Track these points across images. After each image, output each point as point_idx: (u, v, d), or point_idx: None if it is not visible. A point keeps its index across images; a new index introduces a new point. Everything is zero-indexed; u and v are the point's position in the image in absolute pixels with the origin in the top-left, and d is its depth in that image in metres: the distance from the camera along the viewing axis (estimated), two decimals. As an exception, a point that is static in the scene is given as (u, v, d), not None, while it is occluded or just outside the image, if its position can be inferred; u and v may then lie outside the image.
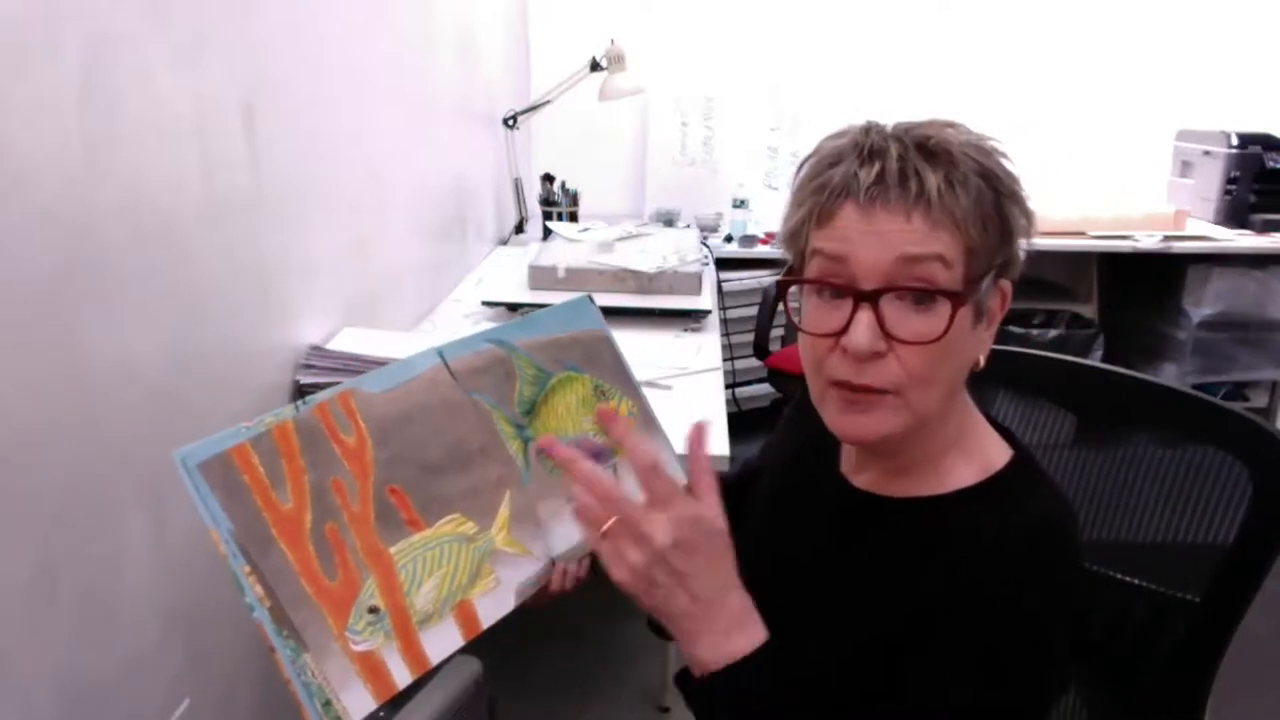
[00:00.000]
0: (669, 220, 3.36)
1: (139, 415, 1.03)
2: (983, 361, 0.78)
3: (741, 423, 3.20)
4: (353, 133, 1.69)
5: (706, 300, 2.21)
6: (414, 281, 2.13)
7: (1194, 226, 3.24)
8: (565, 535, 0.85)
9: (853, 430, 0.76)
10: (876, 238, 0.71)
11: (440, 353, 0.86)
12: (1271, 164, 3.18)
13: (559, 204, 3.08)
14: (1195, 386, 1.04)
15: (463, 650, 1.35)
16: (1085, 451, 1.09)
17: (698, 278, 2.23)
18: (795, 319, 0.79)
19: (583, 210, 3.15)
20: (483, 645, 1.78)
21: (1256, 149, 3.18)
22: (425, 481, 0.81)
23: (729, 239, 3.30)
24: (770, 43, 3.42)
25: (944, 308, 0.71)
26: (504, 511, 0.84)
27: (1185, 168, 3.43)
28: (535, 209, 3.18)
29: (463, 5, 2.55)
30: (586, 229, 2.70)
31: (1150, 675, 1.00)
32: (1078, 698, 1.08)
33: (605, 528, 0.71)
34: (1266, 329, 3.24)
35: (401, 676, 0.80)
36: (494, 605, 0.83)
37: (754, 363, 2.98)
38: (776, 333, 3.23)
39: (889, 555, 0.78)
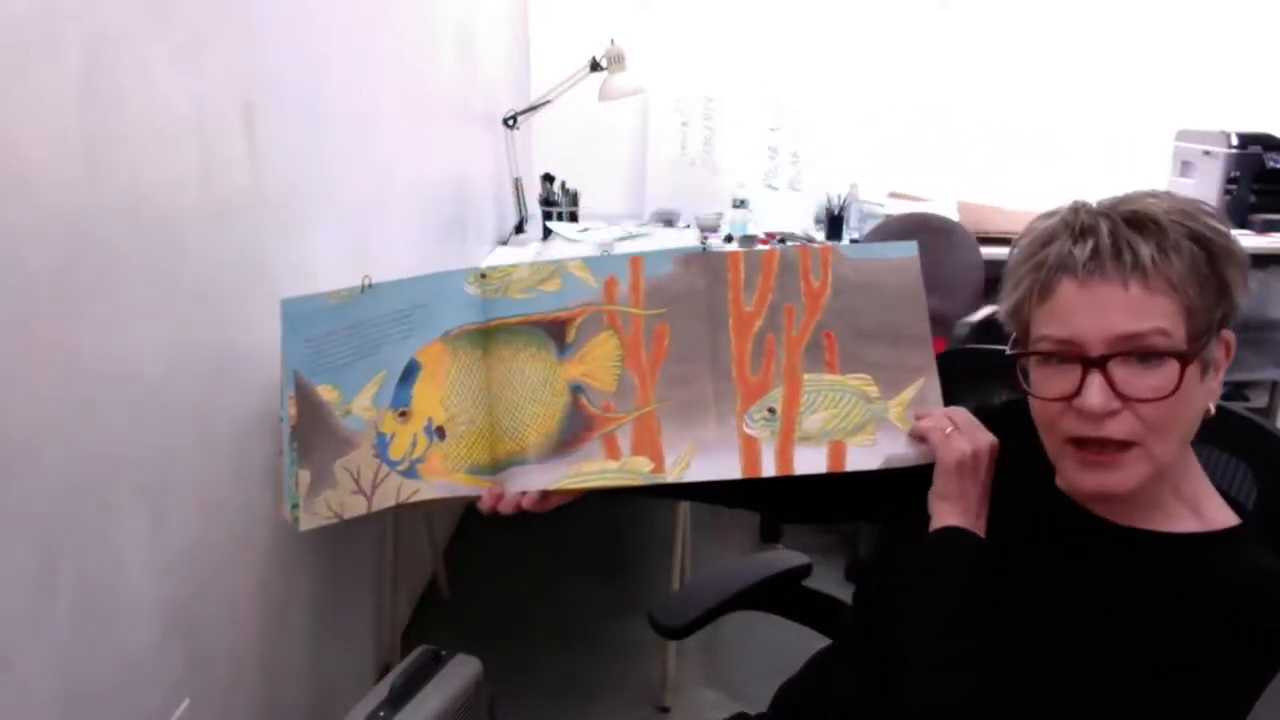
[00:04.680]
0: (669, 220, 3.35)
1: (139, 415, 1.03)
2: (1213, 409, 0.81)
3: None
4: (353, 133, 1.69)
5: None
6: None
7: (1194, 226, 3.23)
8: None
9: (1097, 487, 0.80)
10: (1097, 308, 0.77)
11: (918, 248, 1.00)
12: (1271, 164, 3.17)
13: (559, 204, 3.08)
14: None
15: (464, 650, 1.41)
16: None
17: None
18: (1025, 386, 0.84)
19: (583, 210, 3.15)
20: (483, 645, 1.78)
21: (1256, 149, 3.18)
22: (855, 341, 0.96)
23: (729, 239, 3.29)
24: (770, 43, 3.41)
25: (1171, 366, 0.76)
26: (908, 394, 0.95)
27: (1185, 168, 3.43)
28: (535, 209, 3.17)
29: (463, 5, 2.55)
30: (586, 229, 2.70)
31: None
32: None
33: (948, 430, 0.89)
34: (1266, 329, 3.23)
35: (768, 468, 0.94)
36: (862, 457, 0.94)
37: (754, 363, 2.97)
38: (776, 333, 3.23)
39: (1110, 571, 0.81)
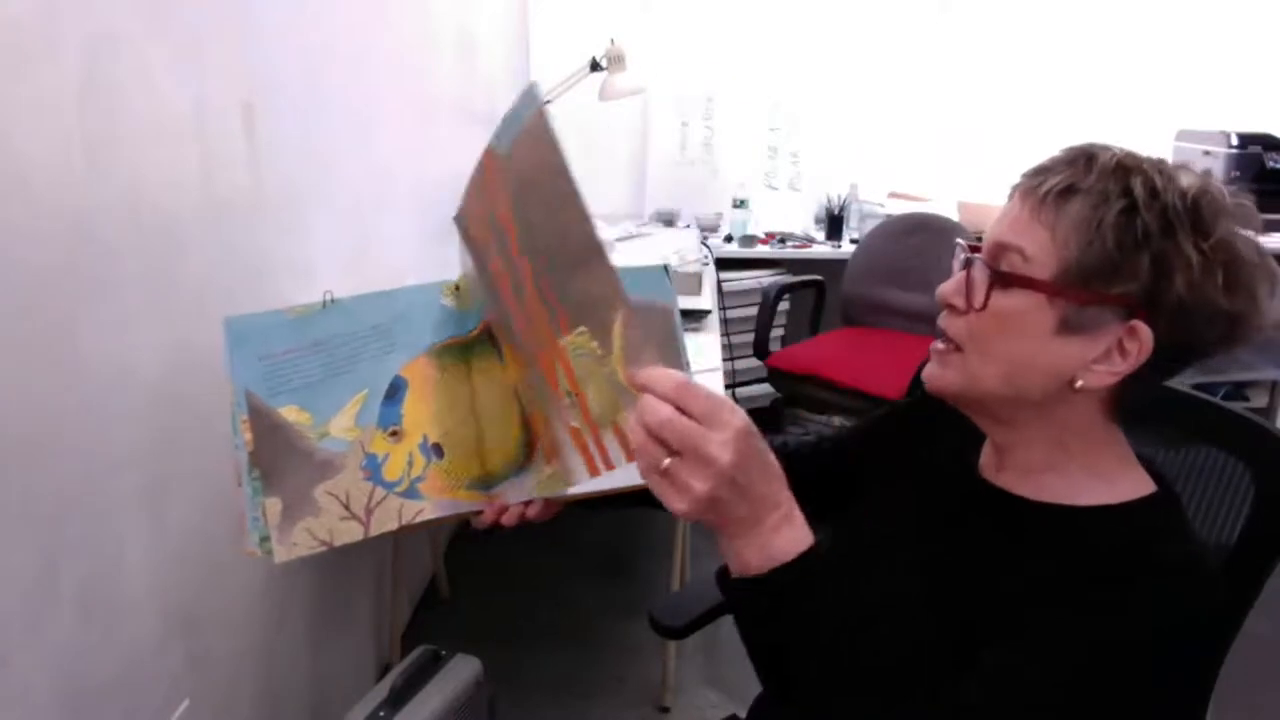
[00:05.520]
0: (669, 220, 3.36)
1: (139, 415, 1.03)
2: (1082, 384, 0.76)
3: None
4: (353, 133, 1.69)
5: (706, 300, 2.21)
6: (414, 281, 2.13)
7: (1194, 226, 3.23)
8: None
9: (925, 376, 0.84)
10: (1000, 218, 0.79)
11: (536, 92, 0.68)
12: (1271, 164, 3.18)
13: (559, 204, 3.08)
14: (1195, 386, 1.03)
15: (463, 650, 1.34)
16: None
17: (698, 278, 2.24)
18: None
19: (583, 210, 3.14)
20: (483, 645, 1.77)
21: (1256, 149, 3.18)
22: (559, 276, 0.69)
23: (729, 239, 3.30)
24: (770, 43, 3.41)
25: (1017, 292, 0.76)
26: (617, 335, 0.67)
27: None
28: (535, 209, 3.17)
29: (463, 5, 2.55)
30: (586, 229, 2.70)
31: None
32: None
33: (665, 465, 0.65)
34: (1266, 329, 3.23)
35: (601, 462, 0.74)
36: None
37: (754, 363, 2.98)
38: (777, 333, 3.23)
39: (1011, 546, 0.80)
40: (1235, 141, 3.19)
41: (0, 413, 0.83)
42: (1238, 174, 3.20)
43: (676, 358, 0.93)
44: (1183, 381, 0.87)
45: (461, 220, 0.85)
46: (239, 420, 0.86)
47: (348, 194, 1.68)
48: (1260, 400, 3.49)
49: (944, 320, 0.82)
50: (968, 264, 0.80)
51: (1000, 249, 0.78)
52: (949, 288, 0.81)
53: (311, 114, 1.49)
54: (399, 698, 1.45)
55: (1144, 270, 0.73)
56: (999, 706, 0.71)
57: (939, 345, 0.83)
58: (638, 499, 0.88)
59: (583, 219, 0.65)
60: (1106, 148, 0.77)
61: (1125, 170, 0.75)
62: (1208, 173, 0.78)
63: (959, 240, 0.84)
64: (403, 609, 2.10)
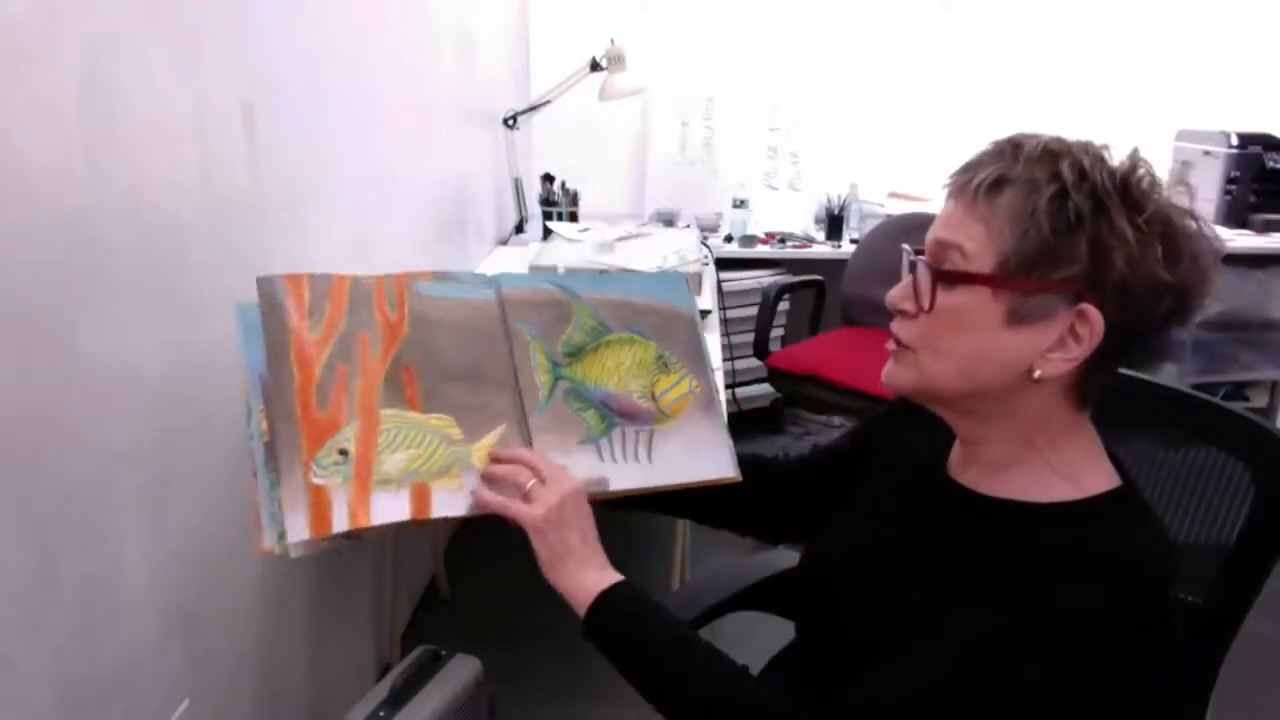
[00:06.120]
0: (669, 220, 3.35)
1: (139, 415, 1.03)
2: (1043, 373, 0.75)
3: (742, 423, 3.20)
4: (353, 133, 1.69)
5: (706, 300, 2.21)
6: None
7: (1194, 226, 3.23)
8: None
9: (883, 376, 0.85)
10: (938, 220, 0.80)
11: (498, 282, 0.96)
12: (1271, 164, 3.17)
13: (559, 204, 3.08)
14: (1195, 386, 1.03)
15: (463, 650, 1.39)
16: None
17: (698, 278, 2.23)
18: None
19: (583, 210, 3.15)
20: (483, 645, 1.78)
21: (1256, 149, 3.18)
22: (437, 379, 0.90)
23: (729, 239, 3.30)
24: (770, 43, 3.41)
25: (963, 290, 0.76)
26: (489, 440, 0.91)
27: (1185, 168, 3.43)
28: (535, 209, 3.17)
29: (463, 5, 2.55)
30: (586, 229, 2.70)
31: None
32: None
33: (531, 484, 0.88)
34: (1266, 329, 3.24)
35: (340, 521, 0.83)
36: (448, 502, 0.88)
37: (754, 363, 2.98)
38: (776, 333, 3.23)
39: (973, 545, 0.80)
40: (1235, 141, 3.19)
41: (0, 413, 0.83)
42: (1238, 174, 3.20)
43: (701, 361, 0.99)
44: (1183, 381, 0.87)
45: (274, 290, 0.87)
46: (255, 410, 0.86)
47: (348, 194, 1.68)
48: (1260, 400, 3.49)
49: (896, 326, 0.83)
50: (913, 267, 0.80)
51: (940, 247, 0.78)
52: (897, 294, 0.82)
53: (311, 114, 1.49)
54: (399, 698, 1.45)
55: (1082, 252, 0.72)
56: (949, 708, 0.72)
57: (892, 344, 0.83)
58: (634, 502, 0.98)
59: (504, 370, 0.94)
60: (1034, 136, 0.77)
61: (1053, 155, 0.74)
62: (1137, 150, 0.77)
63: (905, 246, 0.84)
64: (403, 609, 2.10)
